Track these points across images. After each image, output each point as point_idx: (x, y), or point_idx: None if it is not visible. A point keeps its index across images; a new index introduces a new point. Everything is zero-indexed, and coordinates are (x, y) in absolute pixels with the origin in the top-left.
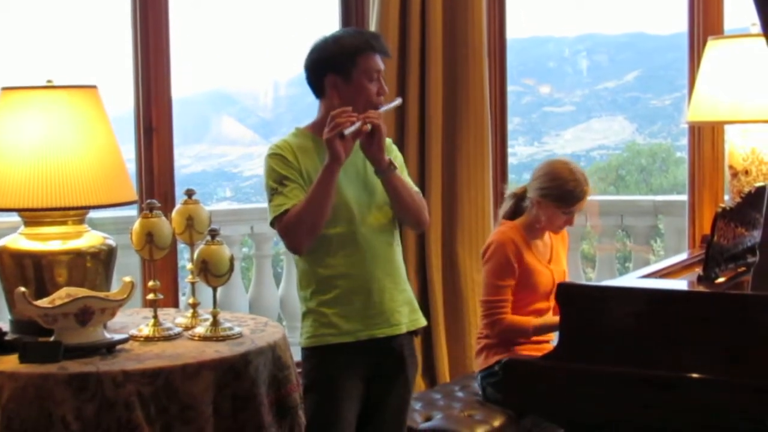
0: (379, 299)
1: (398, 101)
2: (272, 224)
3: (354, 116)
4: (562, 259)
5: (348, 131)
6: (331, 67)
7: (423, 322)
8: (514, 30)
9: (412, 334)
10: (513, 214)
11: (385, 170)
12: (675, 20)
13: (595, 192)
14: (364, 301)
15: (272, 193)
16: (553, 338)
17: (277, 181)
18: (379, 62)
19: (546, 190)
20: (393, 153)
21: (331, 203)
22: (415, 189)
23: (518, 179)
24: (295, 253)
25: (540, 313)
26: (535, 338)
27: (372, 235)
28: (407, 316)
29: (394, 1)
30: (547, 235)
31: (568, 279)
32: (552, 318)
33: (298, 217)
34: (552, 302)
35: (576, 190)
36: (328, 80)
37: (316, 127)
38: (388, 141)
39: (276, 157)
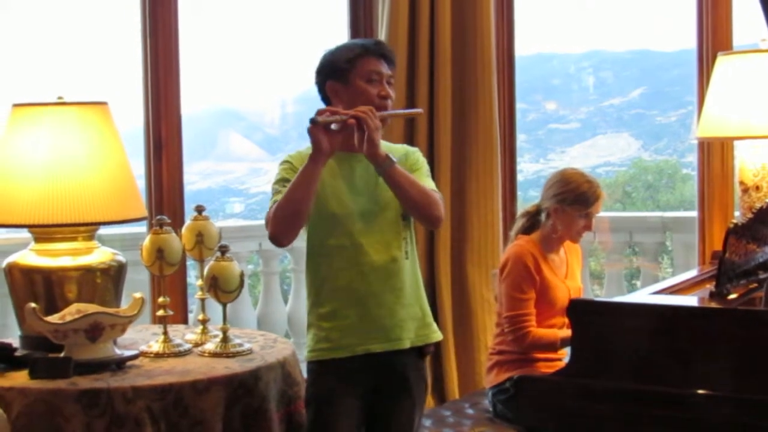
0: (377, 314)
1: (417, 110)
2: None
3: (339, 111)
4: (577, 275)
5: (321, 118)
6: (330, 74)
7: (436, 337)
8: (519, 47)
9: (420, 352)
10: (526, 231)
11: (381, 164)
12: (680, 37)
13: (603, 209)
14: (360, 314)
15: (273, 192)
16: (566, 356)
17: (279, 183)
18: (379, 65)
19: (562, 196)
20: (414, 156)
21: (312, 194)
22: (432, 188)
23: (524, 196)
24: (275, 244)
25: (556, 328)
26: (547, 356)
27: (374, 249)
28: (413, 331)
29: (403, 18)
30: (562, 251)
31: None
32: None
33: (279, 206)
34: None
35: (590, 191)
36: (329, 88)
37: None
38: (413, 149)
39: (285, 163)
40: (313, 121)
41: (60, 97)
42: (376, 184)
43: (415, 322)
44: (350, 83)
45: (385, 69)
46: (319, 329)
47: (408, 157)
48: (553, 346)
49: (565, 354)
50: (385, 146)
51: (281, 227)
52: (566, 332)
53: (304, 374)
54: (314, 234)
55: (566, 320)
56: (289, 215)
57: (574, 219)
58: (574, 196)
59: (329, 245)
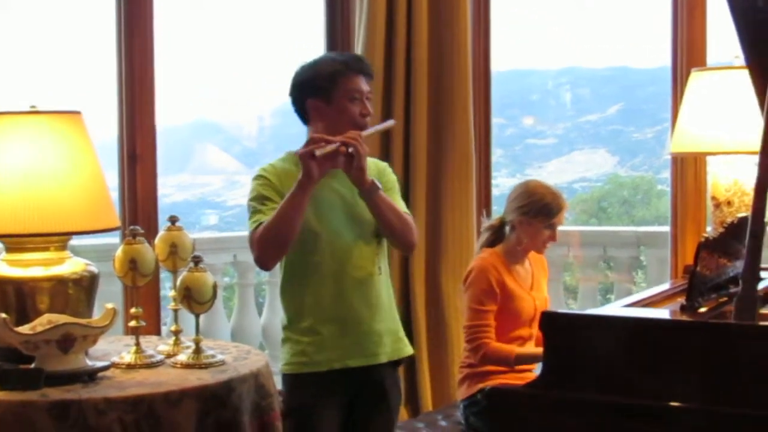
0: (354, 330)
1: (391, 123)
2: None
3: (331, 139)
4: (543, 286)
5: (320, 152)
6: (311, 91)
7: (408, 351)
8: (497, 62)
9: (395, 364)
10: (491, 244)
11: (366, 190)
12: (657, 54)
13: (577, 223)
14: (338, 330)
15: (252, 211)
16: (536, 367)
17: (257, 200)
18: (361, 83)
19: (525, 208)
20: (386, 177)
21: (300, 220)
22: (405, 211)
23: (501, 211)
24: (261, 267)
25: (522, 339)
26: (518, 367)
27: (351, 266)
28: (389, 345)
29: (380, 31)
30: (527, 263)
31: (550, 308)
32: (536, 349)
33: (267, 230)
34: (534, 330)
35: (554, 202)
36: (310, 104)
37: None
38: (383, 165)
39: (260, 179)
40: (311, 154)
41: (33, 106)
42: (354, 202)
43: (391, 336)
44: (333, 102)
45: (364, 86)
46: (297, 343)
47: (382, 176)
48: (507, 361)
49: (536, 366)
50: None
51: (269, 252)
52: (525, 350)
53: (278, 386)
54: (294, 250)
55: (532, 331)
56: (276, 240)
57: (538, 230)
58: (538, 208)
59: (309, 261)
